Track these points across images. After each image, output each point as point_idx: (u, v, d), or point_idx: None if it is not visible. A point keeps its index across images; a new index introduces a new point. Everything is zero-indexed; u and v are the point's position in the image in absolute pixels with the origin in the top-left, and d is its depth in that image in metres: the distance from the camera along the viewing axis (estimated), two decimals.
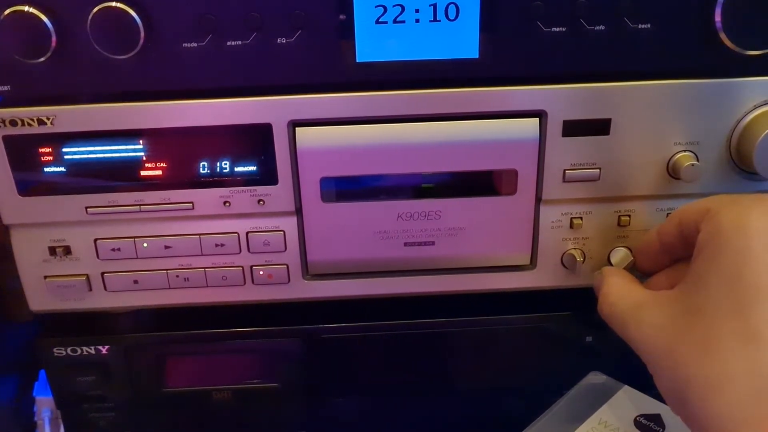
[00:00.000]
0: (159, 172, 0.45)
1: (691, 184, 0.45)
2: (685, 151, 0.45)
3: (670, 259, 0.43)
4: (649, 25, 0.42)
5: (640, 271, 0.45)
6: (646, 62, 0.43)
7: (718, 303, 0.33)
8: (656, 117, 0.44)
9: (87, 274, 0.48)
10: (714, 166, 0.45)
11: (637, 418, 0.43)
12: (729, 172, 0.46)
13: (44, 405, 0.58)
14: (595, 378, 0.47)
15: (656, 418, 0.43)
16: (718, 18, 0.41)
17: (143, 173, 0.45)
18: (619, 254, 0.47)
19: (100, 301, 0.49)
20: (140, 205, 0.46)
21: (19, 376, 0.59)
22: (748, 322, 0.31)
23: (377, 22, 0.41)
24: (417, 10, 0.41)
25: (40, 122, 0.43)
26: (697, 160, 0.45)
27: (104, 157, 0.44)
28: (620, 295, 0.40)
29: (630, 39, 0.42)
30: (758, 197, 0.35)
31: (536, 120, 0.44)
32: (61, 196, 0.45)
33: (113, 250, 0.47)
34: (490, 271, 0.49)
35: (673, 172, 0.45)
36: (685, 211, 0.39)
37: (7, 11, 0.39)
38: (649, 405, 0.44)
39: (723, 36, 0.41)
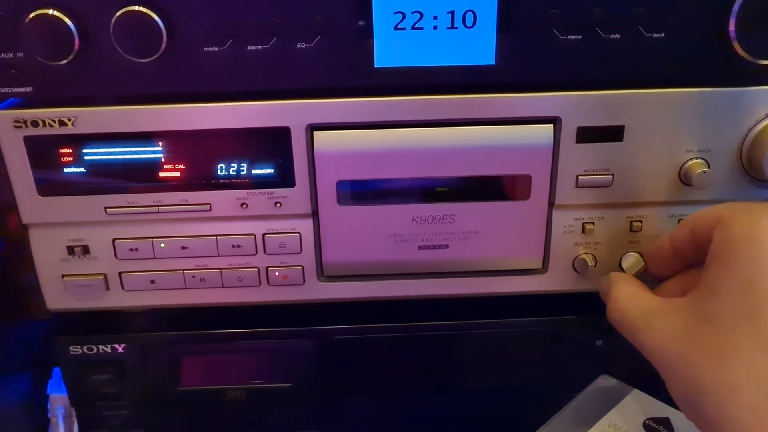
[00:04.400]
0: (177, 174, 0.46)
1: (702, 191, 0.45)
2: (697, 158, 0.45)
3: (682, 265, 0.43)
4: (663, 34, 0.42)
5: (651, 276, 0.46)
6: (660, 70, 0.43)
7: (732, 310, 0.33)
8: (669, 124, 0.44)
9: (105, 274, 0.49)
10: (725, 173, 0.46)
11: (646, 422, 0.44)
12: (740, 179, 0.46)
13: (58, 402, 0.59)
14: (604, 381, 0.48)
15: (665, 422, 0.43)
16: (731, 27, 0.41)
17: (162, 175, 0.45)
18: (631, 259, 0.47)
19: (117, 300, 0.49)
20: (158, 206, 0.46)
21: (33, 373, 0.60)
22: (762, 329, 0.32)
23: (395, 28, 0.42)
24: (435, 17, 0.41)
25: (62, 123, 0.44)
26: (709, 168, 0.45)
27: (124, 159, 0.45)
28: (631, 301, 0.40)
29: (644, 47, 0.42)
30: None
31: (550, 126, 0.44)
32: (81, 197, 0.46)
33: (131, 250, 0.48)
34: (503, 274, 0.50)
35: (684, 178, 0.46)
36: (698, 218, 0.39)
37: (32, 14, 0.40)
38: (658, 409, 0.44)
39: (736, 45, 0.42)
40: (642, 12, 0.42)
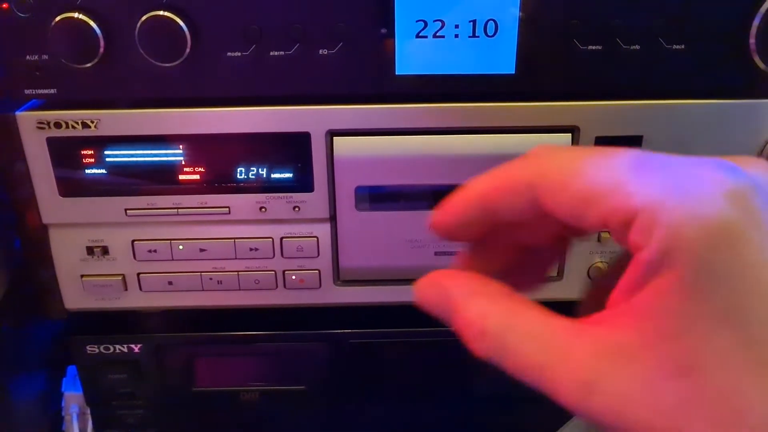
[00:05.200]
0: (197, 177, 0.46)
1: None
2: None
3: (482, 230, 0.28)
4: (683, 46, 0.42)
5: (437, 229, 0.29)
6: (679, 81, 0.44)
7: (728, 355, 0.20)
8: (687, 135, 0.45)
9: (123, 274, 0.49)
10: None
11: None
12: None
13: (72, 401, 0.59)
14: None
15: None
16: (752, 40, 0.41)
17: (182, 177, 0.46)
18: None
19: (135, 300, 0.50)
20: (178, 208, 0.47)
21: (48, 371, 0.60)
22: None
23: (417, 36, 0.42)
24: (457, 26, 0.42)
25: (84, 125, 0.44)
26: None
27: (144, 161, 0.45)
28: (523, 335, 0.23)
29: (664, 58, 0.43)
30: (672, 163, 0.22)
31: (569, 135, 0.45)
32: (101, 198, 0.46)
33: (150, 251, 0.48)
34: None
35: None
36: (568, 190, 0.23)
37: (58, 17, 0.40)
38: None
39: (756, 58, 0.42)
40: (662, 23, 0.42)
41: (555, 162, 0.23)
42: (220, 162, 0.46)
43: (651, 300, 0.21)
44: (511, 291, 0.26)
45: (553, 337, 0.23)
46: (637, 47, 0.42)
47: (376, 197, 0.46)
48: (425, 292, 0.28)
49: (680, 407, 0.20)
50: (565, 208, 0.23)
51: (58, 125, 0.44)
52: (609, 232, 0.24)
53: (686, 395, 0.20)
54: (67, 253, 0.49)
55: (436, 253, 0.48)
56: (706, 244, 0.20)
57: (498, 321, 0.24)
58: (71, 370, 0.60)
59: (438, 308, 0.27)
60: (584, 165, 0.22)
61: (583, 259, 0.49)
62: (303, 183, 0.46)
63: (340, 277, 0.49)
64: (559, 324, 0.23)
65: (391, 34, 0.42)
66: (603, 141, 0.45)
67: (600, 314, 0.23)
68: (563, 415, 0.46)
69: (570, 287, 0.50)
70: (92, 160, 0.45)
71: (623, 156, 0.22)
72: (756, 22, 0.41)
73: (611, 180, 0.22)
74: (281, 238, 0.48)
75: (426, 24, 0.42)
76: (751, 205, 0.20)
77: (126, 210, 0.46)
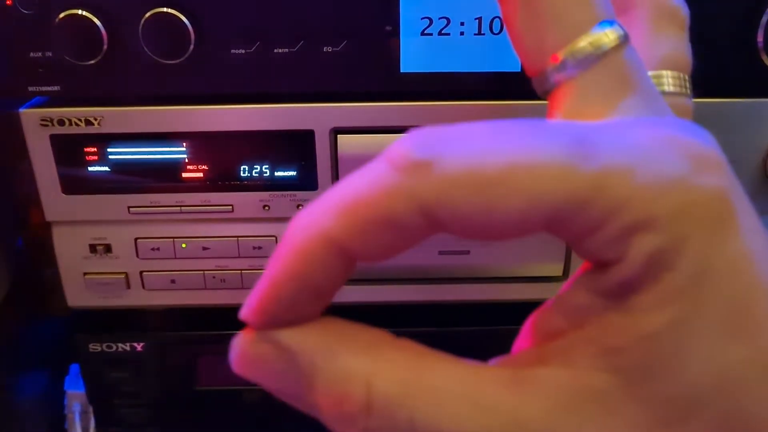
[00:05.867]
0: (200, 175, 0.46)
1: None
2: None
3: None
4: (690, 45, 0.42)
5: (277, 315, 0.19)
6: None
7: (740, 379, 0.16)
8: None
9: (126, 272, 0.49)
10: (749, 185, 0.46)
11: None
12: (765, 190, 0.46)
13: (75, 399, 0.59)
14: None
15: None
16: (760, 39, 0.41)
17: (185, 175, 0.46)
18: None
19: (138, 299, 0.50)
20: (181, 206, 0.46)
21: (51, 369, 0.60)
22: None
23: (422, 33, 0.42)
24: (462, 23, 0.41)
25: (88, 122, 0.44)
26: None
27: (148, 159, 0.45)
28: (457, 401, 0.16)
29: None
30: (621, 134, 0.16)
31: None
32: (105, 195, 0.46)
33: (153, 249, 0.48)
34: (523, 281, 0.49)
35: None
36: (540, 194, 0.16)
37: (61, 14, 0.40)
38: None
39: (764, 57, 0.42)
40: None
41: (464, 166, 0.15)
42: (223, 160, 0.45)
43: (627, 325, 0.15)
44: (399, 339, 0.17)
45: (486, 394, 0.16)
46: None
47: None
48: (252, 356, 0.18)
49: None
50: (496, 226, 0.15)
51: (61, 122, 0.44)
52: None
53: None
54: (70, 250, 0.48)
55: (440, 252, 0.48)
56: (705, 233, 0.15)
57: (393, 383, 0.16)
58: (74, 368, 0.60)
59: (278, 381, 0.18)
60: (514, 164, 0.15)
61: None
62: (307, 181, 0.46)
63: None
64: (490, 374, 0.16)
65: (396, 32, 0.42)
66: None
67: (541, 351, 0.17)
68: None
69: None
70: (95, 157, 0.45)
71: (556, 135, 0.16)
72: (764, 20, 0.41)
73: (561, 181, 0.15)
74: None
75: (431, 21, 0.41)
76: (724, 170, 0.16)
77: (129, 208, 0.46)
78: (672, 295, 0.15)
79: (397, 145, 0.16)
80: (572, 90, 0.19)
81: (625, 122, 0.18)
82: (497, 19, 0.41)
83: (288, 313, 0.17)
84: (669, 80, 0.30)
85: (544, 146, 0.15)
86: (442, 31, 0.42)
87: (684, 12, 0.31)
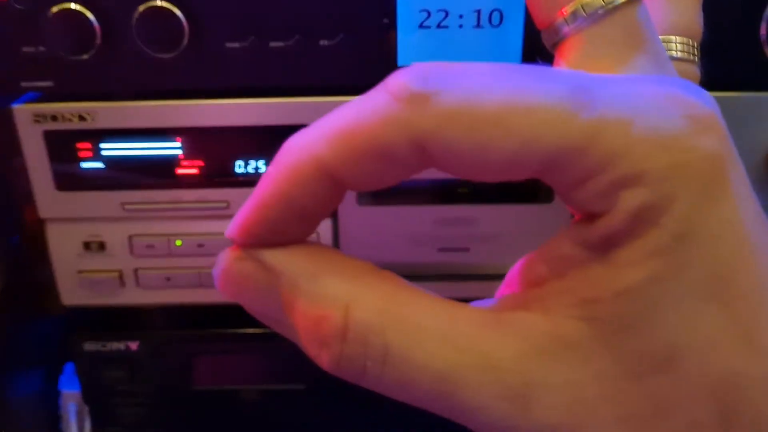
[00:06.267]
0: (196, 171, 0.45)
1: None
2: None
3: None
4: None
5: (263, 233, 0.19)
6: None
7: (714, 340, 0.16)
8: None
9: (120, 270, 0.48)
10: (753, 179, 0.45)
11: None
12: (767, 186, 0.45)
13: (70, 399, 0.58)
14: None
15: None
16: (763, 32, 0.41)
17: (180, 171, 0.45)
18: None
19: (132, 297, 0.49)
20: (176, 202, 0.46)
21: (46, 368, 0.60)
22: None
23: (420, 26, 0.41)
24: (461, 16, 0.41)
25: (81, 118, 0.44)
26: None
27: (142, 155, 0.45)
28: (434, 337, 0.16)
29: None
30: (621, 86, 0.16)
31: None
32: (99, 192, 0.46)
33: (147, 246, 0.47)
34: None
35: None
36: (526, 142, 0.15)
37: (54, 8, 0.40)
38: None
39: (767, 49, 0.41)
40: None
41: (462, 102, 0.15)
42: (218, 155, 0.45)
43: (607, 277, 0.15)
44: (384, 271, 0.17)
45: (462, 332, 0.16)
46: None
47: (378, 192, 0.46)
48: (236, 272, 0.18)
49: (655, 412, 0.15)
50: (488, 165, 0.15)
51: (54, 118, 0.43)
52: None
53: (663, 396, 0.15)
54: (64, 248, 0.48)
55: (439, 250, 0.47)
56: (695, 193, 0.15)
57: (371, 311, 0.16)
58: (69, 367, 0.59)
59: (259, 299, 0.18)
60: (510, 104, 0.15)
61: None
62: None
63: None
64: (468, 314, 0.16)
65: (393, 25, 0.41)
66: None
67: (521, 296, 0.17)
68: None
69: None
70: (89, 153, 0.45)
71: (559, 82, 0.15)
72: (767, 13, 0.40)
73: (556, 126, 0.15)
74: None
75: (429, 14, 0.41)
76: (722, 133, 0.16)
77: (123, 204, 0.46)
78: (653, 251, 0.15)
79: (397, 75, 0.16)
80: (580, 43, 0.19)
81: (628, 77, 0.17)
82: (496, 11, 0.41)
83: (274, 233, 0.17)
84: (677, 45, 0.30)
85: (544, 90, 0.15)
86: (440, 24, 0.41)
87: None
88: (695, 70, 0.30)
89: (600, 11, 0.18)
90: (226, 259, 0.18)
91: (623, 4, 0.18)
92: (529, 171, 0.15)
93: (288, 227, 0.17)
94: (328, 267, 0.17)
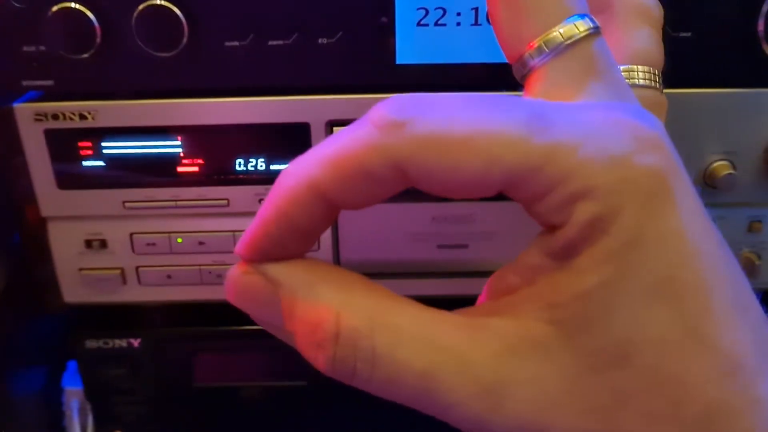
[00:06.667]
0: (196, 169, 0.45)
1: (727, 193, 0.45)
2: (722, 160, 0.45)
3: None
4: (690, 34, 0.42)
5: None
6: (687, 70, 0.43)
7: (663, 338, 0.17)
8: (694, 125, 0.44)
9: (122, 268, 0.48)
10: (751, 175, 0.45)
11: None
12: (766, 182, 0.45)
13: (73, 396, 0.59)
14: None
15: None
16: (760, 28, 0.41)
17: (180, 169, 0.45)
18: None
19: (134, 294, 0.49)
20: (176, 200, 0.46)
21: (49, 366, 0.60)
22: (719, 352, 0.17)
23: (418, 24, 0.41)
24: (458, 14, 0.41)
25: (82, 117, 0.44)
26: (735, 170, 0.44)
27: (143, 153, 0.45)
28: (416, 338, 0.18)
29: (671, 47, 0.42)
30: (575, 113, 0.18)
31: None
32: (100, 190, 0.46)
33: (148, 244, 0.48)
34: None
35: (709, 181, 0.45)
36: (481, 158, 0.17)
37: (54, 7, 0.40)
38: None
39: (765, 46, 0.41)
40: (669, 11, 0.41)
41: (433, 129, 0.17)
42: (218, 153, 0.45)
43: (566, 282, 0.17)
44: (373, 282, 0.19)
45: (440, 335, 0.18)
46: None
47: None
48: (243, 284, 0.20)
49: (613, 404, 0.17)
50: (458, 184, 0.17)
51: (55, 117, 0.44)
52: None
53: (619, 389, 0.17)
54: (65, 246, 0.48)
55: (438, 246, 0.47)
56: (639, 206, 0.17)
57: (360, 318, 0.18)
58: (72, 365, 0.59)
59: (263, 308, 0.20)
60: (476, 130, 0.17)
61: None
62: None
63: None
64: (446, 319, 0.19)
65: (392, 23, 0.41)
66: None
67: (495, 304, 0.19)
68: None
69: None
70: (90, 152, 0.45)
71: (518, 110, 0.17)
72: (764, 9, 0.40)
73: (515, 149, 0.17)
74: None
75: (427, 12, 0.41)
76: (667, 150, 0.17)
77: (124, 203, 0.46)
78: (605, 258, 0.17)
79: (378, 107, 0.18)
80: (544, 75, 0.20)
81: (582, 104, 0.19)
82: None
83: (275, 249, 0.19)
84: (640, 74, 0.32)
85: (505, 117, 0.17)
86: (438, 22, 0.41)
87: (657, 11, 0.34)
88: (659, 96, 0.33)
89: (561, 46, 0.20)
90: (233, 273, 0.20)
91: (581, 39, 0.20)
92: (495, 188, 0.17)
93: (289, 243, 0.19)
94: (323, 278, 0.19)
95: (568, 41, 0.20)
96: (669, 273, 0.17)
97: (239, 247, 0.20)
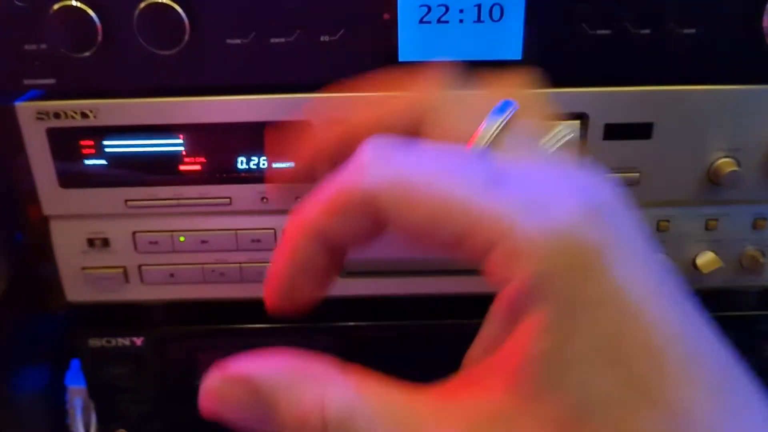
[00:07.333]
0: (198, 167, 0.45)
1: (732, 190, 0.44)
2: (726, 157, 0.44)
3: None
4: (694, 30, 0.41)
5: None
6: (691, 67, 0.42)
7: (614, 399, 0.17)
8: (699, 122, 0.44)
9: (124, 267, 0.48)
10: (755, 172, 0.45)
11: None
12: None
13: (76, 394, 0.59)
14: None
15: None
16: (765, 24, 0.40)
17: (182, 168, 0.45)
18: (707, 257, 0.46)
19: (136, 293, 0.49)
20: (179, 199, 0.46)
21: (52, 364, 0.60)
22: (669, 408, 0.17)
23: (421, 21, 0.41)
24: (461, 11, 0.41)
25: (83, 115, 0.44)
26: (739, 167, 0.44)
27: (145, 151, 0.45)
28: (393, 419, 0.19)
29: (675, 43, 0.41)
30: (529, 177, 0.20)
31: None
32: (102, 189, 0.46)
33: (151, 243, 0.47)
34: None
35: (713, 178, 0.45)
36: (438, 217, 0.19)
37: (56, 6, 0.40)
38: None
39: None
40: (673, 7, 0.41)
41: (399, 171, 0.19)
42: (220, 152, 0.45)
43: (516, 350, 0.18)
44: (347, 364, 0.20)
45: (415, 414, 0.19)
46: (647, 31, 0.41)
47: None
48: (225, 396, 0.20)
49: None
50: (413, 229, 0.19)
51: (57, 116, 0.44)
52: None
53: None
54: (68, 245, 0.48)
55: None
56: (571, 274, 0.17)
57: (342, 404, 0.19)
58: (75, 363, 0.59)
59: (249, 413, 0.20)
60: (436, 178, 0.19)
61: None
62: None
63: (343, 269, 0.49)
64: (422, 397, 0.19)
65: (394, 20, 0.41)
66: (612, 128, 0.44)
67: (466, 375, 0.20)
68: None
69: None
70: (92, 150, 0.45)
71: (478, 168, 0.19)
72: None
73: (466, 201, 0.18)
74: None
75: (429, 9, 0.41)
76: (609, 221, 0.18)
77: (126, 201, 0.46)
78: (547, 325, 0.17)
79: (360, 150, 0.20)
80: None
81: (541, 168, 0.20)
82: (497, 6, 0.41)
83: (292, 295, 0.21)
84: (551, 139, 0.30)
85: (464, 170, 0.19)
86: (441, 19, 0.41)
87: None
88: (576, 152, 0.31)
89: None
90: (209, 385, 0.21)
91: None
92: (446, 235, 0.18)
93: (301, 288, 0.21)
94: (300, 373, 0.20)
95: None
96: (613, 333, 0.17)
97: (266, 303, 0.22)
